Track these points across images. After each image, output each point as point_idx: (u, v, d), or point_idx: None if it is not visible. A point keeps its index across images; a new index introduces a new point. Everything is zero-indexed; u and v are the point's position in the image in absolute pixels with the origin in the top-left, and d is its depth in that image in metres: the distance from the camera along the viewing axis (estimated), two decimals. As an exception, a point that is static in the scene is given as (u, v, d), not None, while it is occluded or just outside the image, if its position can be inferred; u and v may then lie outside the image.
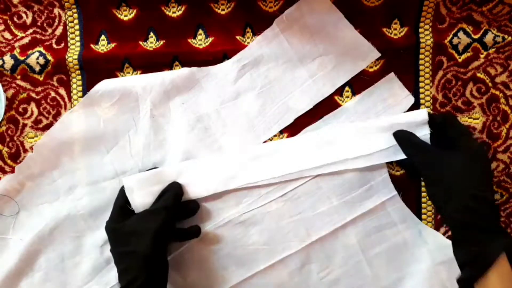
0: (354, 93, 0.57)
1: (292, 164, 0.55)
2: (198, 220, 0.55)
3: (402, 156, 0.53)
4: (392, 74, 0.56)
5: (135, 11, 0.57)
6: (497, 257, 0.43)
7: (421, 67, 0.56)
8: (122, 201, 0.52)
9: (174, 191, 0.53)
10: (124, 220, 0.51)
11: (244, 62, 0.56)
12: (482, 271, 0.44)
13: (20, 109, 0.57)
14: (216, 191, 0.55)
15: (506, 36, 0.55)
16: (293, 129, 0.56)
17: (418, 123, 0.52)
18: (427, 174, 0.50)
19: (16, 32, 0.57)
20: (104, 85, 0.56)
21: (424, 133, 0.52)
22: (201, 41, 0.57)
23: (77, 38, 0.57)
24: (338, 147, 0.55)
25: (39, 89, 0.57)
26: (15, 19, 0.57)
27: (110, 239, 0.51)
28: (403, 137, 0.52)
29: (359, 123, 0.55)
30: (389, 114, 0.56)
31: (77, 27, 0.57)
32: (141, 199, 0.52)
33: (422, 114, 0.53)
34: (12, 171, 0.57)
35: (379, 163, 0.54)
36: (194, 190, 0.55)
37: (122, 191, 0.53)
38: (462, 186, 0.47)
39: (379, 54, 0.56)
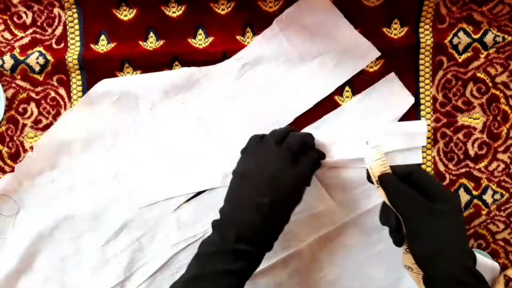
0: (354, 93, 0.57)
1: None
2: (198, 220, 0.55)
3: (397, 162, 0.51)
4: (392, 74, 0.56)
5: (135, 11, 0.57)
6: None
7: (421, 67, 0.56)
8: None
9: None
10: None
11: (244, 61, 0.56)
12: None
13: (20, 109, 0.57)
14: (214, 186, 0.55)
15: (506, 36, 0.55)
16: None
17: (416, 134, 0.53)
18: (414, 226, 0.45)
19: (16, 32, 0.57)
20: (104, 85, 0.56)
21: (419, 145, 0.52)
22: (201, 41, 0.57)
23: (77, 38, 0.57)
24: (336, 148, 0.54)
25: (39, 89, 0.57)
26: (15, 19, 0.57)
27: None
28: (388, 182, 0.48)
29: (358, 125, 0.55)
30: (388, 115, 0.56)
31: (77, 27, 0.57)
32: None
33: (421, 125, 0.53)
34: (12, 171, 0.57)
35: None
36: (198, 184, 0.55)
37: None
38: (454, 242, 0.44)
39: (379, 53, 0.56)
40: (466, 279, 0.43)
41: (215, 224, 0.47)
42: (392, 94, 0.56)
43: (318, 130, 0.56)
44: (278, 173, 0.46)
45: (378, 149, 0.49)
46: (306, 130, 0.56)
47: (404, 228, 0.46)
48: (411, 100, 0.56)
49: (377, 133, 0.53)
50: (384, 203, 0.48)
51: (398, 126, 0.54)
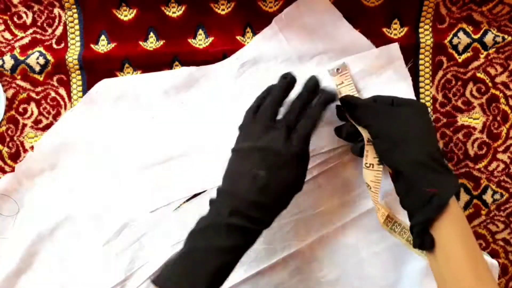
0: (354, 93, 0.57)
1: None
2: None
3: None
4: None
5: (135, 11, 0.57)
6: (450, 197, 0.43)
7: (421, 67, 0.56)
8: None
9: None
10: None
11: (243, 60, 0.56)
12: (437, 212, 0.43)
13: (20, 109, 0.57)
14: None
15: (506, 36, 0.55)
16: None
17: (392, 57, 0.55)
18: (375, 127, 0.48)
19: (16, 32, 0.57)
20: (104, 85, 0.56)
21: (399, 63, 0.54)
22: (201, 41, 0.57)
23: (77, 38, 0.57)
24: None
25: (39, 89, 0.57)
26: (15, 19, 0.57)
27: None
28: (351, 100, 0.50)
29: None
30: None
31: (77, 27, 0.57)
32: None
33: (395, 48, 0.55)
34: (12, 171, 0.57)
35: None
36: (198, 184, 0.55)
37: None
38: (419, 134, 0.46)
39: (378, 51, 0.56)
40: (431, 164, 0.44)
41: (212, 200, 0.46)
42: (392, 93, 0.56)
43: None
44: (274, 147, 0.45)
45: (342, 74, 0.53)
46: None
47: (370, 137, 0.49)
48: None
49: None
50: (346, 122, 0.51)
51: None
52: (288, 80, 0.48)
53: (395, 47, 0.55)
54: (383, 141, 0.47)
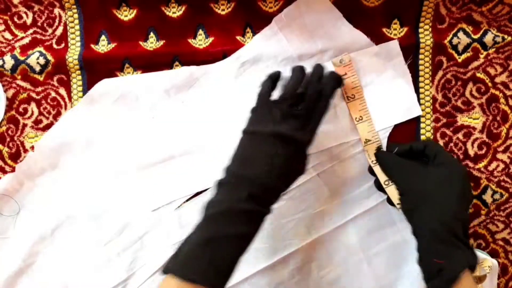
0: (354, 93, 0.57)
1: None
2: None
3: None
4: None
5: (135, 11, 0.57)
6: (462, 271, 0.43)
7: (421, 67, 0.56)
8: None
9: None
10: None
11: (243, 60, 0.56)
12: (446, 286, 0.43)
13: (21, 109, 0.57)
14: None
15: (505, 36, 0.55)
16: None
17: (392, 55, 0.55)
18: (402, 185, 0.49)
19: (16, 32, 0.57)
20: (104, 85, 0.56)
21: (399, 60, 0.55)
22: (201, 41, 0.57)
23: (77, 38, 0.57)
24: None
25: (39, 89, 0.57)
26: (15, 19, 0.57)
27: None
28: (383, 158, 0.52)
29: None
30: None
31: (77, 27, 0.57)
32: None
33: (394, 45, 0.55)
34: (13, 171, 0.57)
35: None
36: (199, 183, 0.55)
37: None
38: (444, 202, 0.46)
39: (378, 48, 0.56)
40: (445, 236, 0.44)
41: (222, 181, 0.44)
42: (392, 93, 0.56)
43: None
44: (295, 135, 0.45)
45: (346, 65, 0.54)
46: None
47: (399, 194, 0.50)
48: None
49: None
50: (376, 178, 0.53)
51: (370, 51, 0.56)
52: (303, 73, 0.49)
53: (394, 44, 0.55)
54: (407, 200, 0.48)
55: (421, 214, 0.46)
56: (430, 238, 0.45)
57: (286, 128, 0.45)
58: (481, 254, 0.55)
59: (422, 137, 0.56)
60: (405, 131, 0.56)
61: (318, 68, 0.50)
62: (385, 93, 0.56)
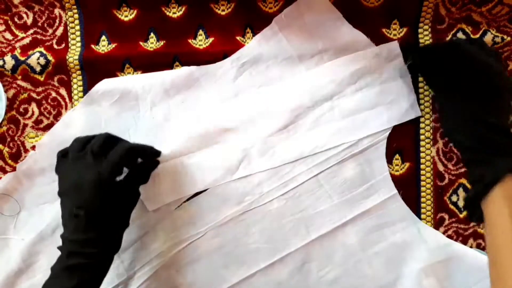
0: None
1: (291, 150, 0.56)
2: (199, 219, 0.56)
3: None
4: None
5: (135, 11, 0.57)
6: (503, 175, 0.44)
7: (420, 67, 0.56)
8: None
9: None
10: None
11: (244, 60, 0.56)
12: (487, 189, 0.44)
13: (21, 109, 0.57)
14: (217, 183, 0.56)
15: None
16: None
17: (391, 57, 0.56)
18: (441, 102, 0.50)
19: (17, 32, 0.57)
20: (105, 85, 0.56)
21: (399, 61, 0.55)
22: (201, 41, 0.57)
23: (78, 39, 0.57)
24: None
25: (39, 89, 0.57)
26: (16, 19, 0.57)
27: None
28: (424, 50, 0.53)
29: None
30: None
31: (77, 27, 0.57)
32: None
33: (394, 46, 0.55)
34: (13, 171, 0.57)
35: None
36: (199, 182, 0.56)
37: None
38: (474, 110, 0.47)
39: (378, 50, 0.56)
40: (489, 137, 0.46)
41: (58, 247, 0.48)
42: (392, 93, 0.56)
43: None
44: (81, 181, 0.46)
45: None
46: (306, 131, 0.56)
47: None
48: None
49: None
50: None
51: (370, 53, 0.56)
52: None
53: (394, 45, 0.55)
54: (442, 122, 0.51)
55: (458, 127, 0.48)
56: (469, 150, 0.47)
57: (74, 175, 0.47)
58: (481, 254, 0.55)
59: (422, 137, 0.56)
60: (405, 131, 0.56)
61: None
62: (385, 93, 0.56)
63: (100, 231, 0.47)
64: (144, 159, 0.52)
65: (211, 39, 0.57)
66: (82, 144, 0.48)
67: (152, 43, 0.57)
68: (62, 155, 0.49)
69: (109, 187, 0.47)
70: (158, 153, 0.54)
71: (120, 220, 0.49)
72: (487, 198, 0.44)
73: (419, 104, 0.56)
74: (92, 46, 0.57)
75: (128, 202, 0.50)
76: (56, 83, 0.57)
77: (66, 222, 0.48)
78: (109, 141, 0.48)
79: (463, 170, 0.57)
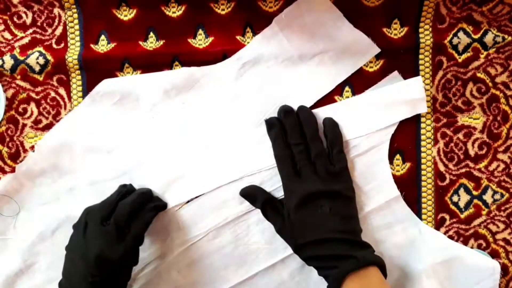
0: (354, 93, 0.57)
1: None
2: (200, 220, 0.56)
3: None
4: (395, 73, 0.56)
5: (135, 11, 0.57)
6: (343, 276, 0.47)
7: (421, 67, 0.56)
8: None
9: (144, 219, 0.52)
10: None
11: (244, 60, 0.56)
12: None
13: (20, 109, 0.57)
14: (213, 187, 0.56)
15: (506, 36, 0.55)
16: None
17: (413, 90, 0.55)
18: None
19: (16, 32, 0.57)
20: (105, 86, 0.56)
21: (420, 98, 0.55)
22: (201, 41, 0.57)
23: (77, 38, 0.57)
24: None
25: (39, 89, 0.57)
26: (15, 19, 0.57)
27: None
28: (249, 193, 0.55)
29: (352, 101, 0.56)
30: (391, 112, 0.56)
31: (77, 27, 0.57)
32: None
33: (417, 81, 0.55)
34: (12, 171, 0.57)
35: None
36: (199, 184, 0.55)
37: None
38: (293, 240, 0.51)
39: (378, 50, 0.56)
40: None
41: None
42: (393, 93, 0.56)
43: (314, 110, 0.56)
44: (104, 255, 0.48)
45: None
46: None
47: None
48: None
49: (376, 107, 0.55)
50: None
51: (394, 91, 0.55)
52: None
53: (418, 83, 0.55)
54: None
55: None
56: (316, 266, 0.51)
57: (96, 246, 0.48)
58: (482, 255, 0.55)
59: (423, 137, 0.56)
60: (406, 131, 0.56)
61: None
62: (392, 88, 0.56)
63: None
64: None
65: (210, 39, 0.57)
66: (108, 212, 0.50)
67: (152, 43, 0.57)
68: (84, 215, 0.51)
69: (129, 258, 0.50)
70: (165, 206, 0.56)
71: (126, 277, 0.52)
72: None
73: (420, 104, 0.56)
74: (92, 45, 0.57)
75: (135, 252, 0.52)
76: (55, 83, 0.57)
77: (72, 278, 0.49)
78: (133, 210, 0.51)
79: (464, 170, 0.57)
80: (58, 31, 0.57)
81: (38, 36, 0.57)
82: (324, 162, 0.52)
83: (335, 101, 0.57)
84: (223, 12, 0.57)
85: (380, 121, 0.56)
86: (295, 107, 0.55)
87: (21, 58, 0.56)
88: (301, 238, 0.50)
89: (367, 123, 0.56)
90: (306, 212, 0.50)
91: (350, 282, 0.47)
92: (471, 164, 0.56)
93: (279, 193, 0.56)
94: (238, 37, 0.57)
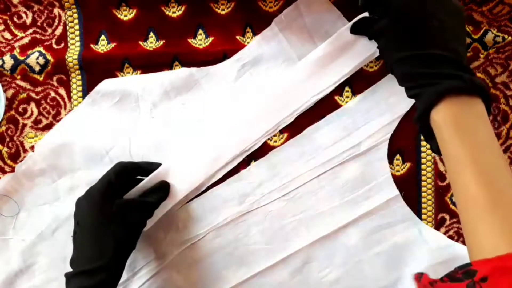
0: (354, 93, 0.57)
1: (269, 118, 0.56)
2: (200, 220, 0.56)
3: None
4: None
5: (135, 11, 0.57)
6: (441, 96, 0.39)
7: (421, 67, 0.56)
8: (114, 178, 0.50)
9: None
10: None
11: (244, 61, 0.56)
12: (428, 110, 0.40)
13: (20, 109, 0.57)
14: (206, 177, 0.56)
15: (506, 36, 0.55)
16: (294, 128, 0.56)
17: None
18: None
19: (16, 32, 0.57)
20: (106, 86, 0.56)
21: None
22: (201, 41, 0.57)
23: (77, 38, 0.57)
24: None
25: (39, 89, 0.57)
26: (15, 19, 0.57)
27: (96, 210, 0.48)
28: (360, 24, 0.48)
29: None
30: (390, 115, 0.56)
31: (77, 27, 0.57)
32: None
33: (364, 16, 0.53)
34: (12, 171, 0.57)
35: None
36: (184, 185, 0.55)
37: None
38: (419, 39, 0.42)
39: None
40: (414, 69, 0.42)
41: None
42: (393, 93, 0.56)
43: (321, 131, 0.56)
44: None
45: None
46: (308, 130, 0.56)
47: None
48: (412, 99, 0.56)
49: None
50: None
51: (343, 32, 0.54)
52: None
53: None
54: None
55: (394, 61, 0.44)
56: (404, 81, 0.43)
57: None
58: None
59: (423, 137, 0.56)
60: (406, 131, 0.56)
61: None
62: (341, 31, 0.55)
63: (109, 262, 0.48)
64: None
65: (210, 39, 0.57)
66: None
67: (152, 43, 0.57)
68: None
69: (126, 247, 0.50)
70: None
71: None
72: (432, 120, 0.40)
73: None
74: (92, 45, 0.57)
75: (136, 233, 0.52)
76: (55, 83, 0.57)
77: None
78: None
79: (464, 170, 0.57)
80: (58, 31, 0.57)
81: (38, 36, 0.57)
82: None
83: (335, 101, 0.57)
84: (223, 12, 0.57)
85: (343, 65, 0.55)
86: (295, 108, 0.56)
87: (21, 58, 0.56)
88: (403, 49, 0.42)
89: (333, 73, 0.55)
90: (416, 16, 0.41)
91: (447, 106, 0.38)
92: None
93: (279, 193, 0.56)
94: (238, 37, 0.57)
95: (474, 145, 0.37)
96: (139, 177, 0.54)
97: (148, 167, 0.54)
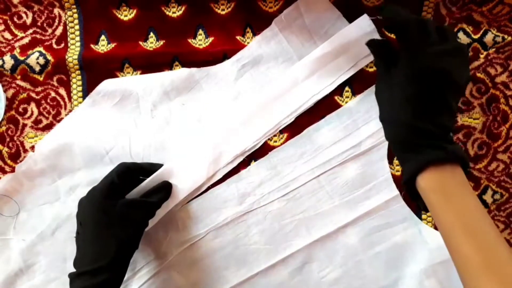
0: (354, 93, 0.57)
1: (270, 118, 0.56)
2: (200, 220, 0.56)
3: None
4: None
5: (135, 11, 0.57)
6: (425, 167, 0.41)
7: (421, 67, 0.56)
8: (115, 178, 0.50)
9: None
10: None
11: (244, 61, 0.56)
12: (413, 178, 0.42)
13: (20, 109, 0.57)
14: (206, 177, 0.56)
15: (506, 36, 0.55)
16: (294, 128, 0.56)
17: (367, 33, 0.54)
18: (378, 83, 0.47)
19: (16, 32, 0.57)
20: (106, 86, 0.56)
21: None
22: (201, 41, 0.57)
23: (77, 38, 0.57)
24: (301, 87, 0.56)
25: (39, 89, 0.57)
26: (15, 19, 0.57)
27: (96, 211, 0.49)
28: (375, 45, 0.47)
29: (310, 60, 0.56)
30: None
31: (77, 27, 0.57)
32: None
33: (366, 22, 0.54)
34: (12, 171, 0.57)
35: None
36: (185, 186, 0.55)
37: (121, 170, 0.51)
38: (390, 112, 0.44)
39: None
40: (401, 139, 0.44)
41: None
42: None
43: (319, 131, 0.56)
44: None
45: None
46: (308, 130, 0.56)
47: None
48: None
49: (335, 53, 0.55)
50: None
51: (345, 34, 0.55)
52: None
53: (365, 19, 0.55)
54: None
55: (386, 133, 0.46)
56: (392, 145, 0.46)
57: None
58: None
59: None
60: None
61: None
62: (342, 32, 0.56)
63: (119, 271, 0.49)
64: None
65: (211, 39, 0.57)
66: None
67: (152, 43, 0.57)
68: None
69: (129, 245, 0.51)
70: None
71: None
72: (419, 185, 0.42)
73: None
74: (92, 45, 0.57)
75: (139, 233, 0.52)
76: (55, 83, 0.57)
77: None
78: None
79: (463, 170, 0.57)
80: (58, 31, 0.57)
81: (38, 36, 0.57)
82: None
83: (335, 101, 0.57)
84: (223, 12, 0.57)
85: (342, 65, 0.55)
86: (295, 108, 0.56)
87: (21, 58, 0.56)
88: (395, 109, 0.44)
89: (333, 73, 0.56)
90: (421, 88, 0.42)
91: (431, 174, 0.41)
92: (471, 164, 0.56)
93: (279, 193, 0.56)
94: (238, 37, 0.57)
95: (460, 209, 0.41)
96: (141, 177, 0.54)
97: (150, 168, 0.54)
